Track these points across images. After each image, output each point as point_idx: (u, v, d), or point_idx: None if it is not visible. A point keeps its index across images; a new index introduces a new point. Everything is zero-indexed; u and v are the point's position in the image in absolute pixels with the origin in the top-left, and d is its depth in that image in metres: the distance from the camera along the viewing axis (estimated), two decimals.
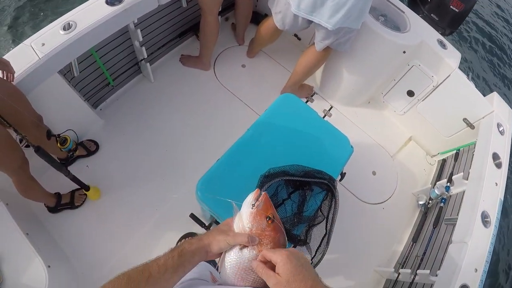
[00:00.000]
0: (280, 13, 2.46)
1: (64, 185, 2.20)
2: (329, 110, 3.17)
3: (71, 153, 2.07)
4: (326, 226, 1.66)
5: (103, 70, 2.44)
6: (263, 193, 0.86)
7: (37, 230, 2.08)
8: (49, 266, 1.61)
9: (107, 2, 1.96)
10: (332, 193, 1.69)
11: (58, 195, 2.20)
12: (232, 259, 0.82)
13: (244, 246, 0.81)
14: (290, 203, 1.63)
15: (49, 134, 1.85)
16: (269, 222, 0.81)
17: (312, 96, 3.20)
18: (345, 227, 2.62)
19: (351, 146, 2.03)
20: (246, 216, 0.83)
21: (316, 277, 0.71)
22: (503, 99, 2.63)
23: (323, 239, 1.66)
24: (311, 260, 1.59)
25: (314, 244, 1.66)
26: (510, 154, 2.31)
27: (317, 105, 3.17)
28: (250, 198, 0.85)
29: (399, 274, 2.30)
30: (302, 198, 1.66)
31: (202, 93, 2.93)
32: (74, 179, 2.07)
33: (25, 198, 1.97)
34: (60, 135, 1.90)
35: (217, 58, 3.16)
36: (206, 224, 1.97)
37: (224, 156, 1.83)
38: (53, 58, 1.78)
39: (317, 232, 1.68)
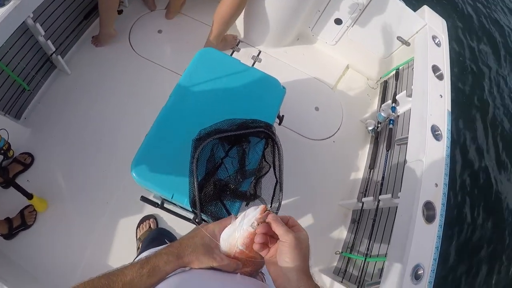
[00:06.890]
0: None
1: (10, 209, 2.12)
2: (258, 55, 3.01)
3: (2, 151, 1.99)
4: (275, 174, 1.59)
5: (14, 77, 2.22)
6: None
7: None
8: None
9: None
10: (272, 139, 1.59)
11: (8, 220, 2.07)
12: None
13: None
14: (229, 161, 1.51)
15: None
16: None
17: (237, 45, 3.02)
18: (301, 168, 2.58)
19: (283, 87, 1.90)
20: (242, 234, 0.72)
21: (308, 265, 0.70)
22: (435, 11, 2.58)
23: (275, 187, 1.59)
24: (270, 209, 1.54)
25: (267, 194, 1.59)
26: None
27: (245, 53, 3.00)
28: (253, 215, 0.72)
29: (363, 203, 2.29)
30: (241, 152, 1.55)
31: (123, 70, 2.70)
32: (14, 185, 1.99)
33: None
34: None
35: (131, 30, 2.88)
36: (159, 203, 1.82)
37: (151, 131, 1.66)
38: None
39: (268, 182, 1.60)
